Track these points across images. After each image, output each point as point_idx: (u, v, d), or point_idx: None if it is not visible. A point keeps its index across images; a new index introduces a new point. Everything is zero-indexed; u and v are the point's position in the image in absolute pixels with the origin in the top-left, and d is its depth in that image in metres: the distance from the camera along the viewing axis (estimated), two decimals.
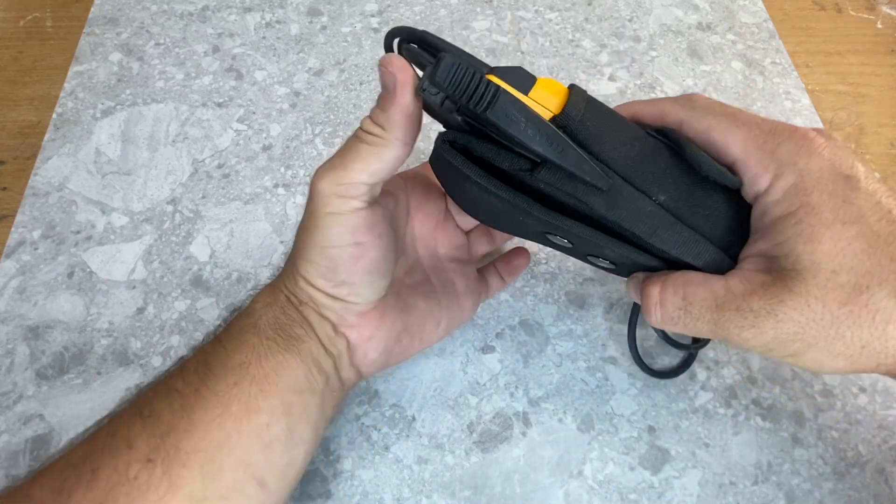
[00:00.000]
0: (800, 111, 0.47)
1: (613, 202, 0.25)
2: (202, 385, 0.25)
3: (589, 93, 0.27)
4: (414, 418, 0.34)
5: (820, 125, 0.46)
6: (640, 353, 0.35)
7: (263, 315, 0.27)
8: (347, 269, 0.27)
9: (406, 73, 0.24)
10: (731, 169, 0.26)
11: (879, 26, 0.53)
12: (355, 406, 0.34)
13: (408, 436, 0.34)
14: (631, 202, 0.25)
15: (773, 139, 0.25)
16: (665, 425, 0.34)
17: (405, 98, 0.25)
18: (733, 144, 0.25)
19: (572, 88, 0.26)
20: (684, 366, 0.35)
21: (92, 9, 0.51)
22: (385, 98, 0.25)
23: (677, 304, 0.25)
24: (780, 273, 0.23)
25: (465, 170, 0.26)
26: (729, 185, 0.25)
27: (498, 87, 0.23)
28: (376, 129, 0.25)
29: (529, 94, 0.25)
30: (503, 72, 0.25)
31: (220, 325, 0.29)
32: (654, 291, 0.26)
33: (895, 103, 0.48)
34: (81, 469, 0.23)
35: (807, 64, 0.50)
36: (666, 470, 0.33)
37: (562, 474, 0.33)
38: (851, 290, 0.22)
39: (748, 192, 0.25)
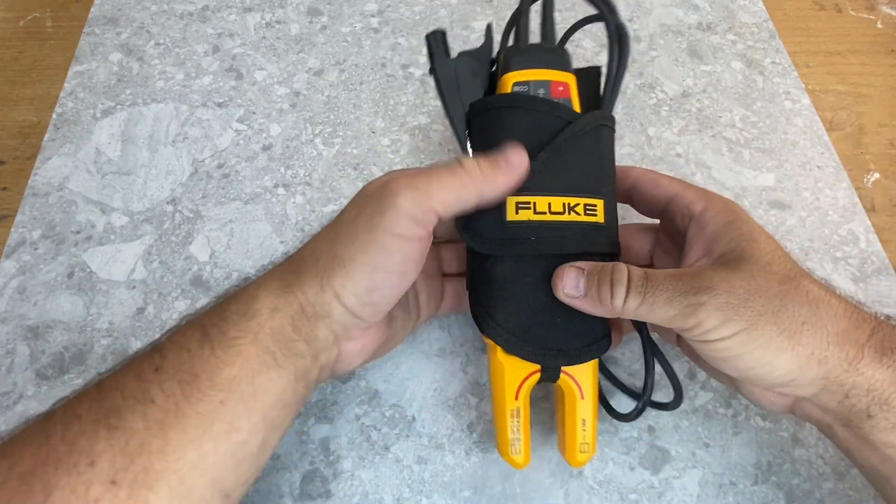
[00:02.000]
0: (800, 111, 0.47)
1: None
2: (184, 400, 0.23)
3: None
4: (414, 418, 0.34)
5: (820, 125, 0.46)
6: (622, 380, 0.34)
7: (268, 322, 0.25)
8: (386, 294, 0.26)
9: (523, 162, 0.28)
10: (669, 201, 0.31)
11: (879, 26, 0.53)
12: (355, 406, 0.34)
13: (408, 436, 0.34)
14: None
15: (702, 188, 0.31)
16: (665, 425, 0.34)
17: (519, 169, 0.27)
18: (673, 185, 0.32)
19: (530, 100, 0.30)
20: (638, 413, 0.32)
21: (92, 9, 0.51)
22: (501, 160, 0.27)
23: (639, 273, 0.27)
24: (726, 262, 0.27)
25: None
26: None
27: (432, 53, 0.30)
28: (475, 169, 0.26)
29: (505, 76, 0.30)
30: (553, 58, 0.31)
31: (209, 305, 0.27)
32: (621, 266, 0.27)
33: (895, 103, 0.48)
34: (31, 485, 0.21)
35: (807, 64, 0.50)
36: (666, 470, 0.33)
37: (562, 474, 0.33)
38: (784, 275, 0.26)
39: (683, 213, 0.30)
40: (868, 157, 0.45)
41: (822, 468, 0.33)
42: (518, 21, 0.31)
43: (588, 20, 0.32)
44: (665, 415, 0.34)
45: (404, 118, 0.45)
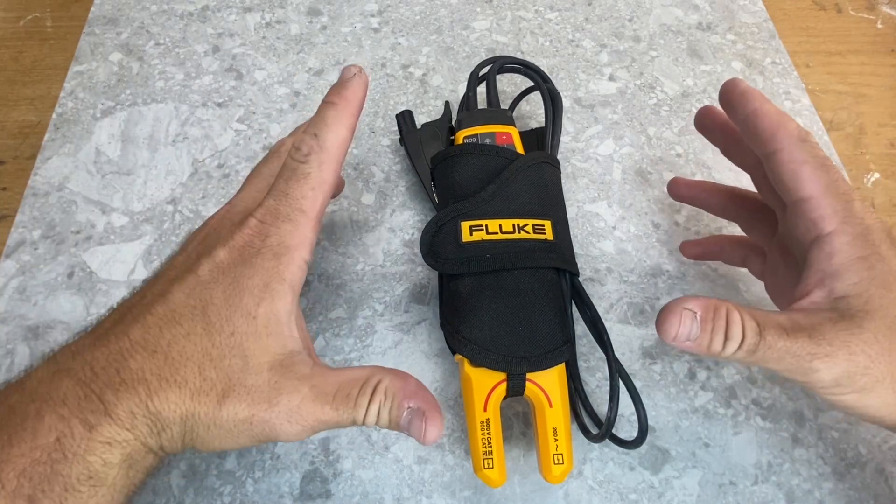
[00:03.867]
0: (800, 111, 0.47)
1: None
2: None
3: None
4: None
5: (820, 125, 0.46)
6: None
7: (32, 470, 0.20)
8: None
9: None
10: (798, 203, 0.27)
11: (879, 26, 0.53)
12: None
13: (408, 436, 0.34)
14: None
15: (847, 194, 0.26)
16: (665, 425, 0.34)
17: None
18: (815, 184, 0.26)
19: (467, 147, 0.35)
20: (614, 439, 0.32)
21: (92, 9, 0.51)
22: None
23: (753, 328, 0.24)
24: (849, 311, 0.24)
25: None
26: None
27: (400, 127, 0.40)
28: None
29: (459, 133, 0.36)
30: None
31: None
32: (735, 315, 0.24)
33: (895, 103, 0.48)
34: None
35: (807, 64, 0.50)
36: (666, 470, 0.33)
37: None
38: None
39: (809, 226, 0.26)
40: (868, 157, 0.45)
41: (822, 468, 0.33)
42: (468, 96, 0.38)
43: (529, 90, 0.41)
44: (665, 415, 0.34)
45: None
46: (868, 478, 0.33)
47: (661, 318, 0.24)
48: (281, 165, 0.26)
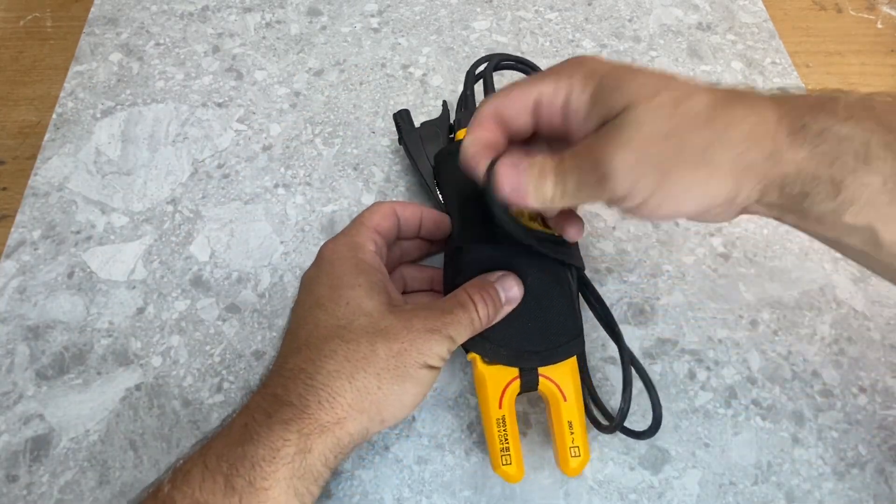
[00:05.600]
0: None
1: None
2: None
3: None
4: (414, 418, 0.34)
5: None
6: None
7: (300, 465, 0.25)
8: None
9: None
10: (535, 109, 0.27)
11: (879, 26, 0.53)
12: None
13: (408, 436, 0.34)
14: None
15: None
16: (665, 425, 0.34)
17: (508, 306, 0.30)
18: (530, 90, 0.27)
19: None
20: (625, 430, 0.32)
21: (92, 9, 0.51)
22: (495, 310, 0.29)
23: (553, 167, 0.25)
24: (610, 124, 0.24)
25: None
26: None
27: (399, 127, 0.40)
28: (478, 306, 0.28)
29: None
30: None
31: (212, 436, 0.26)
32: (537, 163, 0.25)
33: None
34: None
35: (807, 64, 0.50)
36: (666, 470, 0.33)
37: (562, 474, 0.33)
38: (670, 106, 0.23)
39: (550, 117, 0.27)
40: None
41: (822, 468, 0.33)
42: (465, 94, 0.39)
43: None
44: (665, 415, 0.34)
45: None
46: (868, 478, 0.33)
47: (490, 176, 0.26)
48: None
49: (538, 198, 0.25)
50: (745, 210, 0.25)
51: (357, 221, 0.31)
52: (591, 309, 0.33)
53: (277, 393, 0.26)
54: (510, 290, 0.29)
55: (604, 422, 0.32)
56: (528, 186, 0.25)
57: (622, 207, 0.25)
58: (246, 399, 0.27)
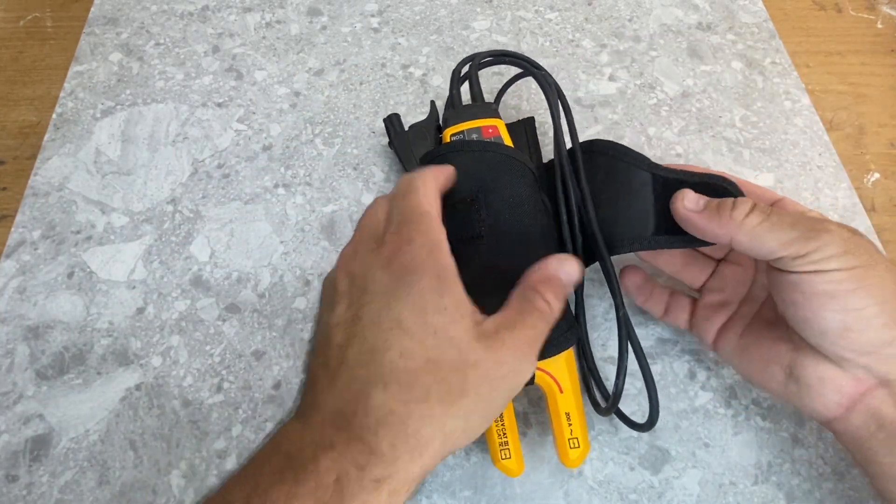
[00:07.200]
0: (800, 111, 0.47)
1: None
2: None
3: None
4: None
5: (820, 125, 0.46)
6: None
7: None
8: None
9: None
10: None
11: (879, 26, 0.53)
12: None
13: None
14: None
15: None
16: (665, 425, 0.34)
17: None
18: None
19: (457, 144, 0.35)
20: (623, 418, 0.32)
21: (92, 9, 0.51)
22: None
23: (764, 209, 0.27)
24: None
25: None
26: None
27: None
28: (549, 301, 0.27)
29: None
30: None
31: (238, 471, 0.24)
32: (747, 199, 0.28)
33: (895, 103, 0.48)
34: None
35: (807, 64, 0.50)
36: (666, 470, 0.33)
37: (562, 474, 0.33)
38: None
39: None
40: (868, 157, 0.45)
41: (822, 468, 0.33)
42: (451, 94, 0.39)
43: (512, 80, 0.41)
44: (665, 415, 0.34)
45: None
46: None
47: (673, 198, 0.30)
48: None
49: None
50: (862, 398, 0.26)
51: (418, 209, 0.27)
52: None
53: (367, 439, 0.23)
54: (574, 275, 0.28)
55: (603, 404, 0.31)
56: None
57: (807, 263, 0.26)
58: (310, 416, 0.25)
